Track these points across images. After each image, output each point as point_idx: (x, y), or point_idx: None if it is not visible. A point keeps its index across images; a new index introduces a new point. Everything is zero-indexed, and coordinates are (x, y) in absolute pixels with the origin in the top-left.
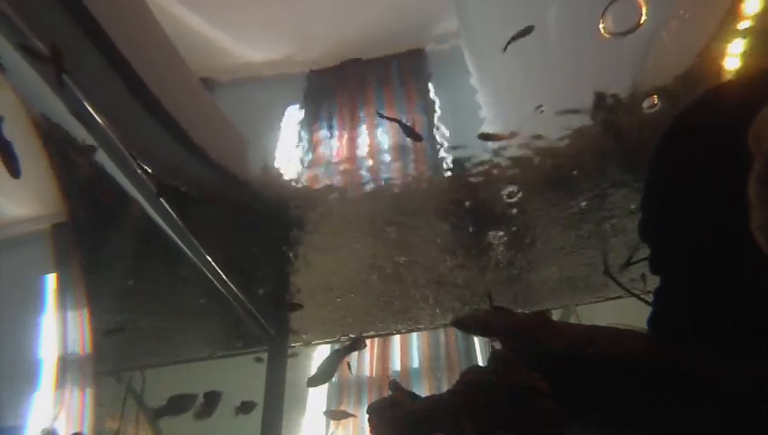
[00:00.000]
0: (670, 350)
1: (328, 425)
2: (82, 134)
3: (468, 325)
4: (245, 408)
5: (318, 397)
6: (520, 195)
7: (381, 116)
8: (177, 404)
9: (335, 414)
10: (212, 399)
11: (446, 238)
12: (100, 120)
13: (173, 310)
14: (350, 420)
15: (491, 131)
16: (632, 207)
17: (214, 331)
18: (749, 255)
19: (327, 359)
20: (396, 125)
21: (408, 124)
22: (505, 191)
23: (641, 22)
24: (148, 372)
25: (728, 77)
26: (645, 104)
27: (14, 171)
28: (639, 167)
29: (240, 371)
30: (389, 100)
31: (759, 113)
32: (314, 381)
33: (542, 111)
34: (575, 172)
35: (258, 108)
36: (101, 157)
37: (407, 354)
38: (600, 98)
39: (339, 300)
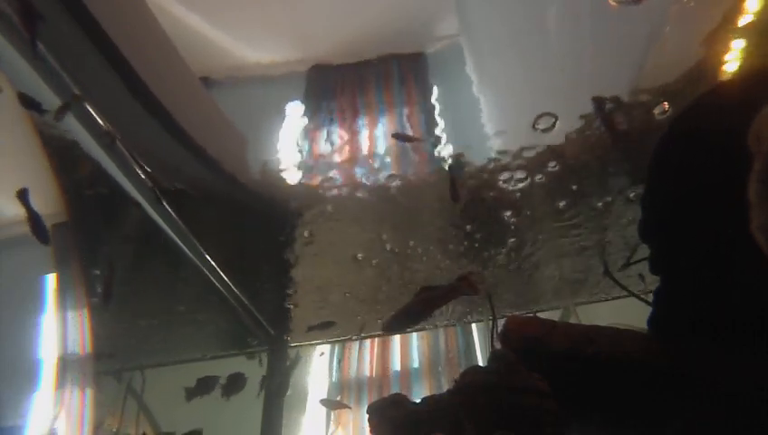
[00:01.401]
0: (670, 350)
1: (328, 425)
2: (82, 135)
3: (393, 325)
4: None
5: (319, 397)
6: (520, 194)
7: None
8: (205, 385)
9: (332, 404)
10: (235, 380)
11: (445, 239)
12: (100, 120)
13: (173, 310)
14: (351, 420)
15: (490, 131)
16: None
17: (214, 331)
18: (749, 255)
19: (278, 374)
20: (396, 126)
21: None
22: (506, 191)
23: None
24: (149, 372)
25: (728, 77)
26: (656, 111)
27: (44, 240)
28: (640, 167)
29: (240, 370)
30: (389, 100)
31: (759, 113)
32: (279, 394)
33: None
34: (576, 172)
35: (258, 108)
36: (102, 157)
37: (407, 354)
38: (600, 99)
39: (338, 300)
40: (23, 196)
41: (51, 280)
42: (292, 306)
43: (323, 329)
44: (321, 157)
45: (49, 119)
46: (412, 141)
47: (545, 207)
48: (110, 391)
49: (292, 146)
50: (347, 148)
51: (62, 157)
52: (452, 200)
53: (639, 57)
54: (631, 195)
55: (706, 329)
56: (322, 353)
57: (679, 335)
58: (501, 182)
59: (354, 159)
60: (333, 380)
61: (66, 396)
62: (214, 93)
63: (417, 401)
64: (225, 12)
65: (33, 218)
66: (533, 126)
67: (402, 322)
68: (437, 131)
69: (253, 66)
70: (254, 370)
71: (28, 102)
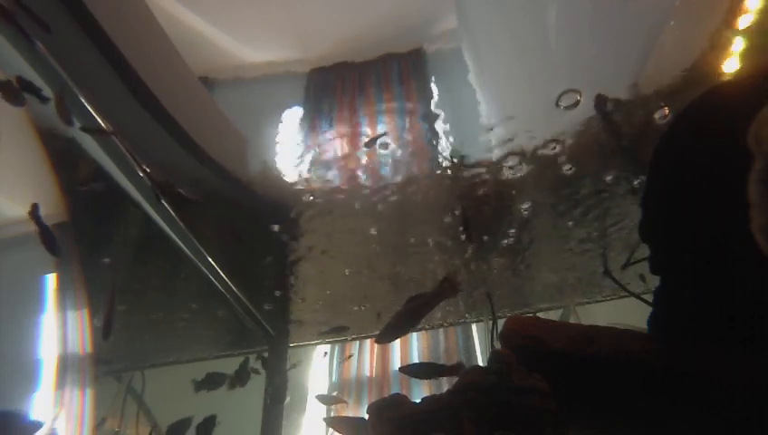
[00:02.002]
0: (670, 350)
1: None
2: (83, 135)
3: (385, 337)
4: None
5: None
6: (520, 194)
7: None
8: (213, 380)
9: (328, 399)
10: (242, 373)
11: (445, 238)
12: (100, 120)
13: (173, 311)
14: None
15: (490, 129)
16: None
17: (214, 331)
18: (749, 255)
19: (277, 378)
20: (395, 126)
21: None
22: (506, 190)
23: None
24: (148, 372)
25: (728, 77)
26: (657, 115)
27: (55, 252)
28: (640, 166)
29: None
30: (389, 99)
31: (759, 113)
32: (277, 401)
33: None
34: (576, 171)
35: (258, 108)
36: (102, 157)
37: (407, 354)
38: (601, 99)
39: (339, 300)
40: (34, 212)
41: (51, 280)
42: (292, 307)
43: (337, 334)
44: (321, 157)
45: (50, 107)
46: (380, 138)
47: (545, 205)
48: (110, 391)
49: (292, 146)
50: (347, 148)
51: (62, 157)
52: (466, 239)
53: (640, 54)
54: (635, 182)
55: (706, 329)
56: (326, 353)
57: (679, 335)
58: (500, 179)
59: (354, 158)
60: (333, 380)
61: (66, 396)
62: (214, 93)
63: (417, 401)
64: (225, 12)
65: (44, 233)
66: (557, 103)
67: (394, 333)
68: (438, 129)
69: (253, 66)
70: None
71: (27, 86)
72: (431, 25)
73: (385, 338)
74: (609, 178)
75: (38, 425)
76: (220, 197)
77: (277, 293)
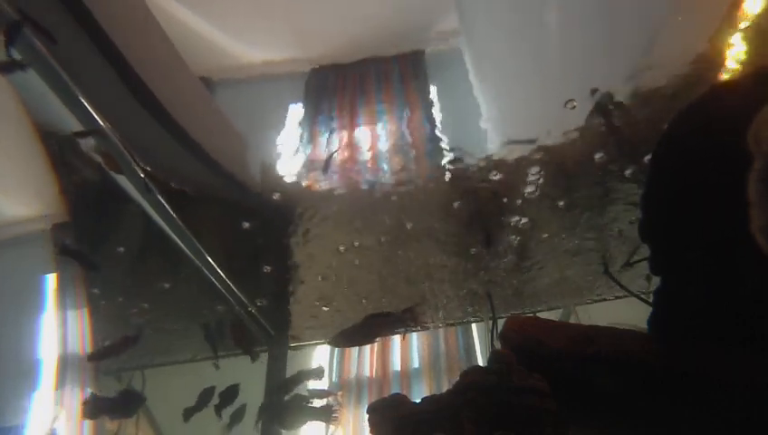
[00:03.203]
0: (670, 350)
1: (328, 425)
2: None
3: (339, 341)
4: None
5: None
6: (520, 193)
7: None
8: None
9: (318, 393)
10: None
11: (445, 239)
12: (100, 121)
13: (173, 310)
14: (351, 420)
15: (489, 129)
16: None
17: (214, 331)
18: (749, 255)
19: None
20: (396, 126)
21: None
22: (506, 190)
23: None
24: (148, 372)
25: (728, 77)
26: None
27: (93, 267)
28: (640, 166)
29: (240, 371)
30: (389, 99)
31: (758, 114)
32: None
33: (573, 107)
34: (576, 171)
35: (258, 108)
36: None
37: (407, 354)
38: (601, 100)
39: (339, 300)
40: (62, 247)
41: (51, 280)
42: (292, 306)
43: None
44: (321, 157)
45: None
46: (333, 155)
47: (545, 205)
48: (110, 391)
49: (291, 146)
50: (347, 147)
51: (62, 157)
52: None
53: (641, 53)
54: (627, 173)
55: (707, 329)
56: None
57: (680, 335)
58: (501, 180)
59: (354, 158)
60: (333, 379)
61: (66, 396)
62: (214, 93)
63: (418, 401)
64: (225, 12)
65: (79, 257)
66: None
67: (348, 341)
68: (437, 129)
69: (253, 66)
70: (254, 371)
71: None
72: (431, 26)
73: (338, 343)
74: (609, 176)
75: (142, 400)
76: (220, 197)
77: (277, 293)
